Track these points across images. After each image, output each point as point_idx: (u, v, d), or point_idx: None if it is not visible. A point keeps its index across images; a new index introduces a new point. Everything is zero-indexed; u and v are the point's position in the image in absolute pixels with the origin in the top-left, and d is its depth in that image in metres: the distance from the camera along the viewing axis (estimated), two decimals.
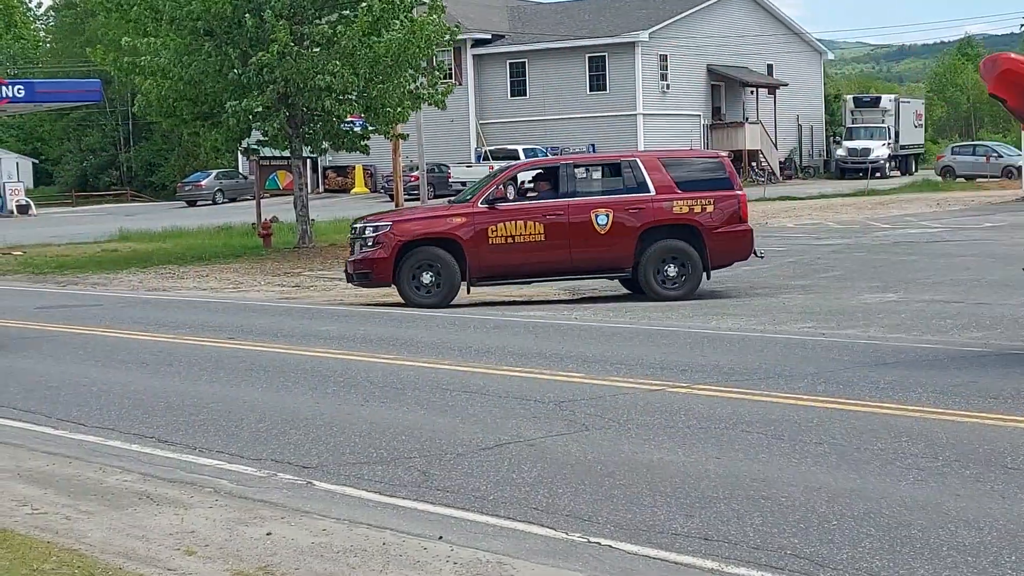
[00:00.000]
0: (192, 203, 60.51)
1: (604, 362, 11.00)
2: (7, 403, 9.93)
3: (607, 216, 16.80)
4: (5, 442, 8.51)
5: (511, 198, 17.22)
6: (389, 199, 46.03)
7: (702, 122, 55.21)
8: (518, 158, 46.91)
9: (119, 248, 30.42)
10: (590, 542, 5.85)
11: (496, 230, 16.99)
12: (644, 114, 52.40)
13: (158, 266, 25.31)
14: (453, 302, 16.98)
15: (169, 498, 6.92)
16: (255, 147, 28.97)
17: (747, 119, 56.68)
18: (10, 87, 37.38)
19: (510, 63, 55.19)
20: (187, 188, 62.04)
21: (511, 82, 55.32)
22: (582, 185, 17.18)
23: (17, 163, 71.20)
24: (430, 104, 27.85)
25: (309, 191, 31.17)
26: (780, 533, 5.86)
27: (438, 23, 26.52)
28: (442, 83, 29.18)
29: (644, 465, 7.21)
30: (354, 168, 58.19)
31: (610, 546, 5.78)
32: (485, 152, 46.11)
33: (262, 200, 31.91)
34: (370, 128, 27.98)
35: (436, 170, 49.45)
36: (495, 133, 54.61)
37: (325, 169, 59.85)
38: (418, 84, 27.31)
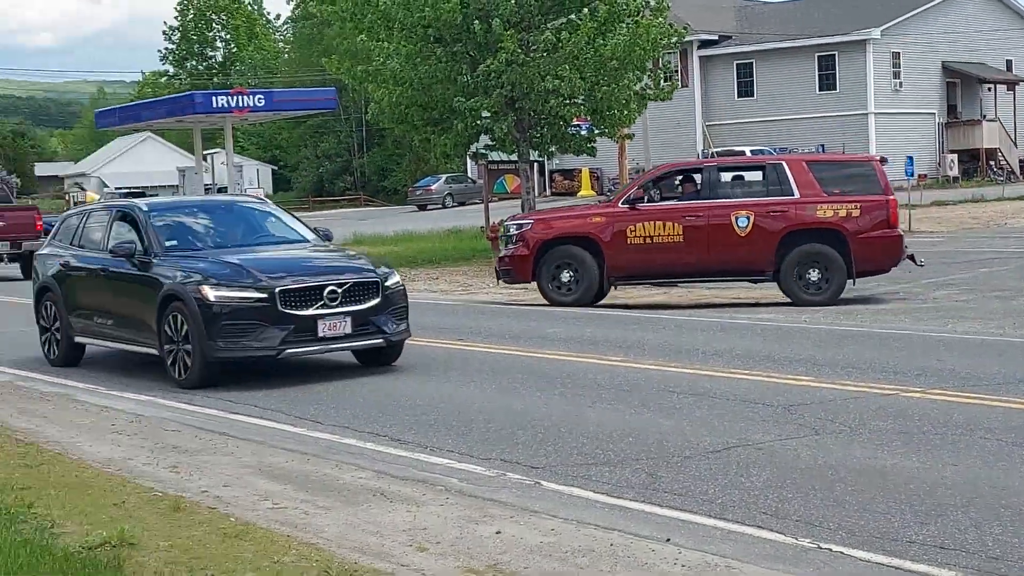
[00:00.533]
0: (423, 207, 62.04)
1: (834, 365, 10.73)
2: (249, 401, 10.41)
3: (748, 218, 16.88)
4: (248, 439, 8.93)
5: (654, 199, 17.45)
6: None
7: (936, 120, 53.14)
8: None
9: (354, 252, 31.38)
10: (820, 548, 5.73)
11: (635, 230, 17.33)
12: (875, 113, 50.81)
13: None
14: (604, 302, 17.39)
15: (402, 495, 7.10)
16: (483, 151, 29.50)
17: (984, 116, 54.21)
18: (251, 96, 39.34)
19: (737, 64, 54.45)
20: (418, 192, 63.65)
21: (738, 83, 54.56)
22: (724, 187, 17.30)
23: (258, 169, 74.73)
24: (655, 100, 27.77)
25: (536, 194, 31.52)
26: (1021, 544, 5.61)
27: (663, 25, 26.43)
28: (666, 84, 29.08)
29: (877, 471, 7.01)
30: (580, 171, 58.47)
31: (841, 552, 5.64)
32: (711, 153, 45.61)
33: (490, 204, 32.46)
34: (596, 131, 28.10)
35: None
36: (721, 134, 53.93)
37: (552, 172, 60.38)
38: (643, 85, 27.28)
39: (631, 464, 7.52)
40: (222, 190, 35.62)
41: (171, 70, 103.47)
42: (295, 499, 7.10)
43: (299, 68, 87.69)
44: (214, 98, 38.57)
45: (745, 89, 54.48)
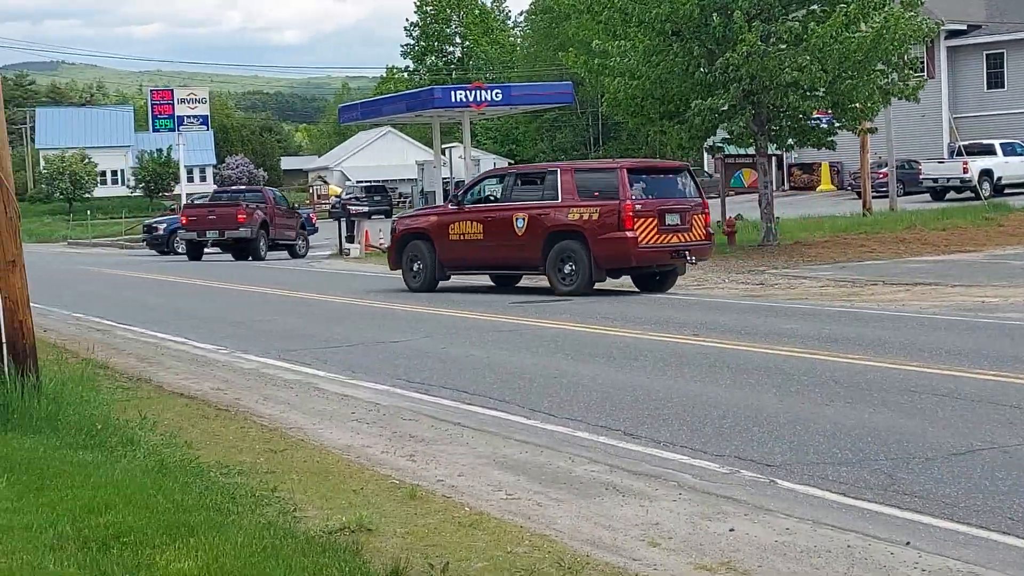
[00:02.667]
0: None
1: None
2: (484, 392, 10.65)
3: (523, 220, 20.25)
4: (483, 429, 9.14)
5: (476, 200, 21.25)
6: (856, 196, 44.75)
7: None
8: (994, 153, 44.18)
9: None
10: None
11: (455, 228, 21.24)
12: None
13: None
14: (791, 296, 17.04)
15: (634, 490, 7.13)
16: (720, 145, 29.20)
17: None
18: (488, 91, 40.08)
19: (987, 54, 52.06)
20: None
21: (987, 74, 52.17)
22: (519, 191, 20.69)
23: (494, 163, 75.85)
24: (900, 98, 26.85)
25: (774, 189, 30.98)
26: None
27: (914, 20, 25.52)
28: (914, 78, 28.04)
29: None
30: (820, 165, 57.06)
31: None
32: (959, 147, 43.74)
33: (727, 198, 32.08)
34: (837, 124, 27.39)
35: (906, 166, 47.45)
36: (969, 127, 51.60)
37: (790, 166, 59.13)
38: (888, 80, 26.42)
39: (869, 464, 7.34)
40: (459, 184, 36.43)
41: (411, 65, 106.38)
42: (528, 490, 7.23)
43: (535, 63, 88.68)
44: (453, 93, 39.54)
45: (995, 80, 52.06)
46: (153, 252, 47.69)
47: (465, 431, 9.07)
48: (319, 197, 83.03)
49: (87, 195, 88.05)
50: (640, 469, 7.62)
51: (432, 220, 22.04)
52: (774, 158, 35.88)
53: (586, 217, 19.90)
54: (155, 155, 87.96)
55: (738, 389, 10.10)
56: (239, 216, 37.59)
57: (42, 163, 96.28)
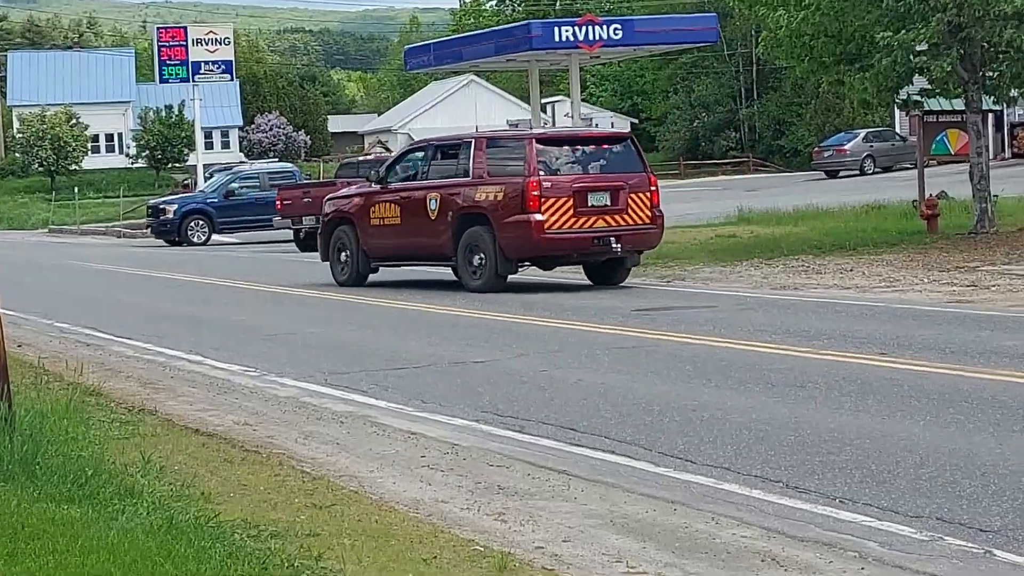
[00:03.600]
0: (832, 173, 61.39)
1: None
2: (598, 431, 10.62)
3: (436, 201, 22.02)
4: (597, 480, 9.12)
5: (403, 178, 23.61)
6: None
7: None
8: None
9: (737, 233, 31.49)
10: None
11: (375, 211, 23.45)
12: None
13: (788, 257, 25.91)
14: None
15: (800, 562, 7.09)
16: (917, 98, 28.83)
17: None
18: (604, 27, 39.83)
19: None
20: (826, 154, 63.02)
21: None
22: (436, 168, 22.73)
23: (612, 123, 75.74)
24: None
25: (990, 157, 30.54)
26: None
27: None
28: None
29: None
30: None
31: None
32: None
33: (926, 169, 31.68)
34: None
35: None
36: None
37: (1014, 127, 58.25)
38: None
39: None
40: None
41: None
42: (657, 562, 7.21)
43: None
44: (556, 30, 39.55)
45: None
46: (160, 241, 48.62)
47: (572, 481, 9.07)
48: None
49: (74, 167, 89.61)
50: (808, 534, 7.57)
51: (355, 202, 24.35)
52: (990, 115, 35.30)
53: (492, 198, 21.74)
54: (163, 114, 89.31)
55: (941, 427, 9.97)
56: None
57: (15, 124, 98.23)
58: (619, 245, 21.78)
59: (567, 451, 10.03)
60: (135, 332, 18.55)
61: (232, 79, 77.07)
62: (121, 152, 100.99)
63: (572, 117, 44.31)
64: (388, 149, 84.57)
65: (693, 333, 15.86)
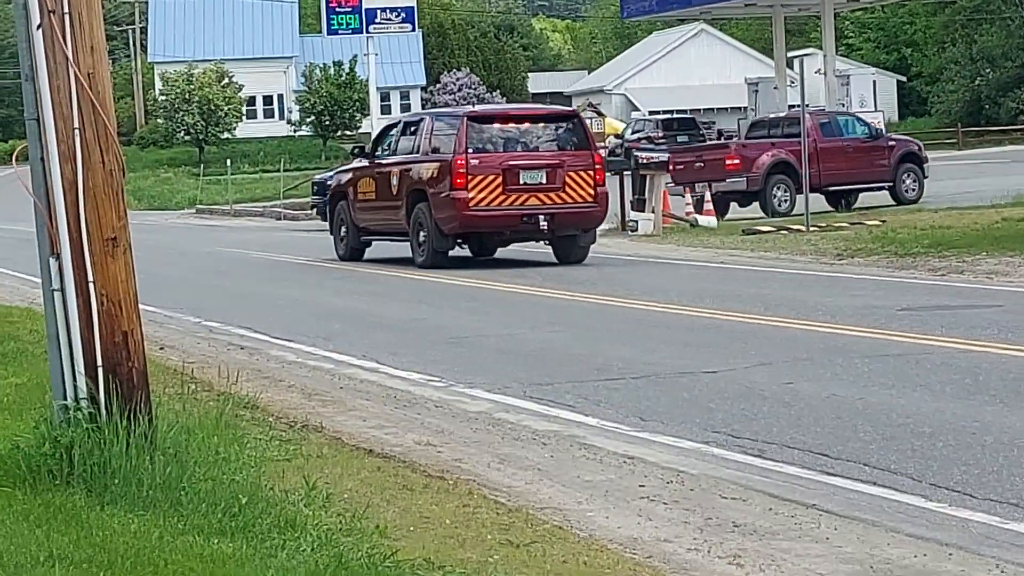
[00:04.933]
0: None
1: None
2: (855, 457, 10.48)
3: (397, 178, 27.49)
4: (853, 516, 9.01)
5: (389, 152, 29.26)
6: None
7: None
8: None
9: None
10: None
11: (360, 186, 29.38)
12: None
13: None
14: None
15: None
16: None
17: None
18: None
19: None
20: None
21: None
22: (402, 145, 28.53)
23: (874, 81, 74.37)
24: None
25: None
26: None
27: None
28: None
29: None
30: None
31: None
32: None
33: None
34: None
35: None
36: None
37: None
38: None
39: None
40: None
41: None
42: None
43: None
44: None
45: None
46: (327, 224, 49.16)
47: (823, 518, 9.00)
48: None
49: (226, 135, 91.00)
50: None
51: (348, 178, 30.73)
52: None
53: (429, 175, 27.16)
54: (331, 72, 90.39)
55: None
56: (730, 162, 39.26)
57: (158, 85, 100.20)
58: (547, 223, 26.71)
59: (817, 481, 9.95)
60: (297, 333, 18.86)
61: (413, 29, 77.23)
62: (281, 118, 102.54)
63: (824, 74, 43.93)
64: (600, 113, 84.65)
65: (973, 338, 15.61)
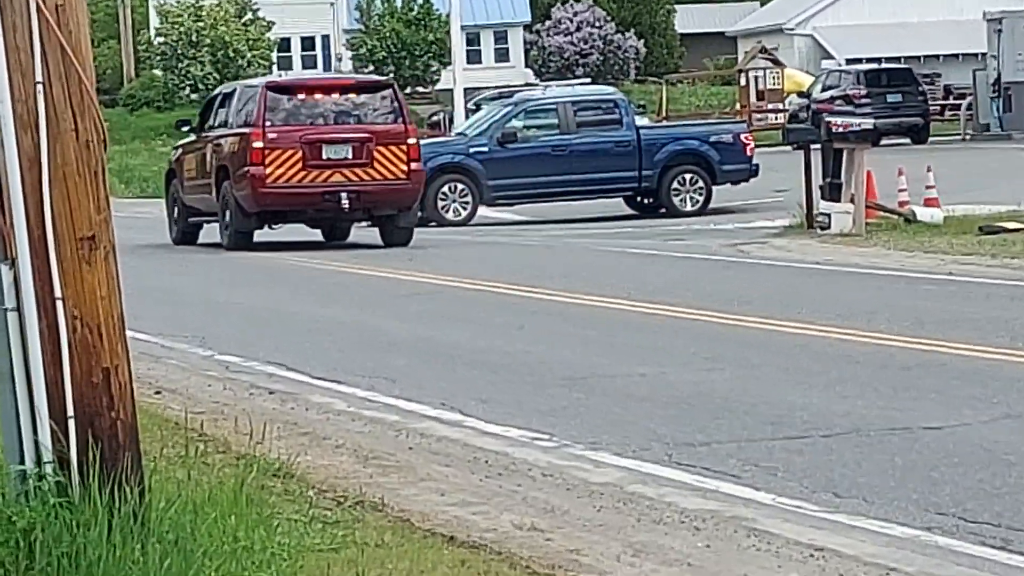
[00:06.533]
0: None
1: None
2: None
3: (210, 154, 35.56)
4: None
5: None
6: None
7: None
8: None
9: None
10: None
11: (187, 163, 37.09)
12: None
13: None
14: None
15: None
16: None
17: None
18: None
19: None
20: None
21: None
22: (219, 117, 36.14)
23: None
24: None
25: None
26: None
27: None
28: None
29: None
30: None
31: None
32: None
33: None
34: None
35: None
36: None
37: None
38: None
39: None
40: None
41: None
42: None
43: None
44: None
45: None
46: None
47: None
48: (760, 95, 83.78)
49: None
50: None
51: (179, 153, 37.89)
52: None
53: (231, 150, 33.27)
54: (397, 5, 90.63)
55: None
56: None
57: (153, 23, 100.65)
58: (350, 202, 33.66)
59: None
60: (349, 371, 18.87)
61: None
62: (327, 67, 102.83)
63: None
64: (777, 62, 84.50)
65: None
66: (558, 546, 11.12)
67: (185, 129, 40.02)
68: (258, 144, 32.24)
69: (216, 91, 41.46)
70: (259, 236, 37.03)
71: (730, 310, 22.84)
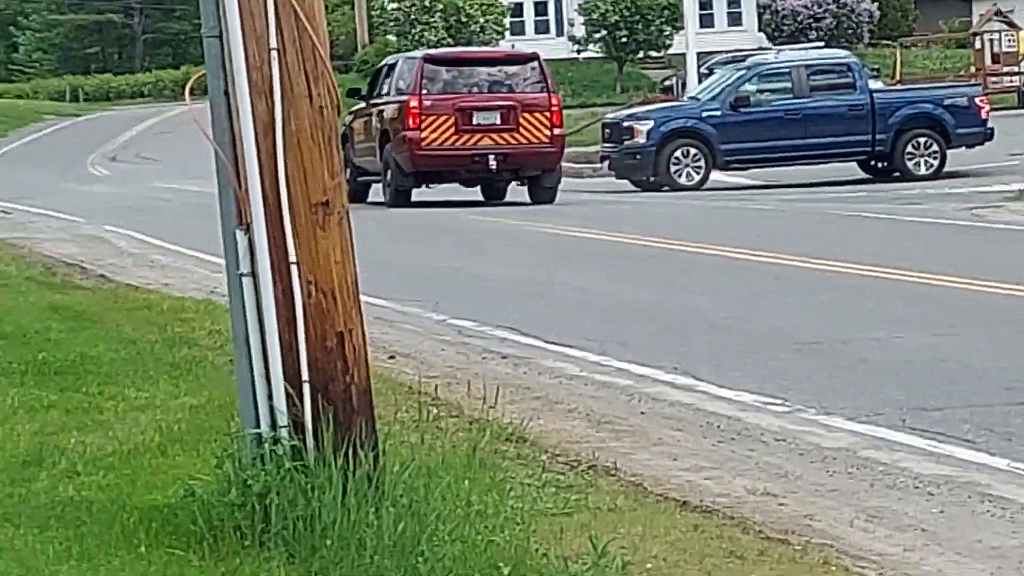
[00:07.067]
0: None
1: None
2: None
3: (375, 119, 40.57)
4: None
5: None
6: None
7: None
8: None
9: None
10: None
11: (356, 128, 42.66)
12: None
13: None
14: None
15: None
16: None
17: None
18: None
19: None
20: None
21: None
22: (385, 86, 42.26)
23: None
24: None
25: None
26: None
27: None
28: None
29: None
30: None
31: None
32: None
33: None
34: None
35: None
36: None
37: None
38: None
39: None
40: None
41: None
42: None
43: None
44: None
45: None
46: (624, 182, 49.25)
47: None
48: (995, 58, 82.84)
49: None
50: None
51: (351, 119, 41.55)
52: None
53: (391, 115, 38.09)
54: None
55: None
56: None
57: None
58: (497, 164, 38.62)
59: None
60: (581, 335, 18.86)
61: None
62: (560, 34, 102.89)
63: None
64: (1012, 24, 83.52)
65: None
66: (791, 511, 11.08)
67: (356, 97, 44.05)
68: (415, 110, 37.83)
69: (382, 62, 45.94)
70: (419, 195, 41.84)
71: (965, 274, 22.65)
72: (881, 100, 48.30)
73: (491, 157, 38.28)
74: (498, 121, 38.46)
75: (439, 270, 26.92)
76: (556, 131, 39.20)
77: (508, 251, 30.52)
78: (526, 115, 38.35)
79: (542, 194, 40.32)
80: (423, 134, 37.91)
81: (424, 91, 38.31)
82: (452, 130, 38.48)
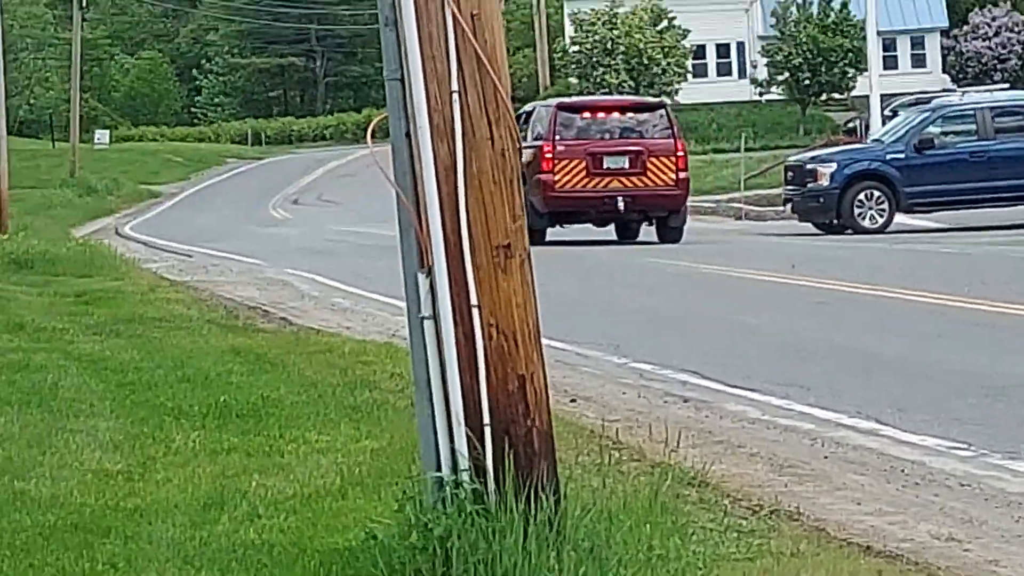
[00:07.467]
0: None
1: None
2: None
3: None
4: None
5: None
6: None
7: None
8: None
9: None
10: None
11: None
12: None
13: None
14: None
15: None
16: None
17: None
18: None
19: None
20: None
21: None
22: (524, 132, 42.41)
23: None
24: None
25: None
26: None
27: None
28: None
29: None
30: None
31: None
32: None
33: None
34: None
35: None
36: None
37: None
38: None
39: None
40: None
41: None
42: None
43: None
44: None
45: None
46: (807, 225, 49.12)
47: None
48: None
49: (664, 97, 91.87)
50: None
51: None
52: None
53: (528, 159, 38.21)
54: (814, 10, 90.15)
55: None
56: None
57: (568, 31, 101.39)
58: (625, 205, 42.27)
59: None
60: (763, 378, 18.80)
61: None
62: (742, 75, 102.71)
63: None
64: None
65: None
66: (976, 557, 10.99)
67: None
68: (549, 155, 41.32)
69: (520, 110, 45.65)
70: (554, 235, 44.71)
71: None
72: None
73: (619, 199, 41.98)
74: (627, 165, 42.22)
75: (612, 308, 26.95)
76: (681, 175, 42.84)
77: (684, 294, 30.50)
78: (653, 160, 42.05)
79: (669, 234, 43.74)
80: (556, 177, 41.58)
81: (558, 136, 41.95)
82: (584, 173, 42.15)
